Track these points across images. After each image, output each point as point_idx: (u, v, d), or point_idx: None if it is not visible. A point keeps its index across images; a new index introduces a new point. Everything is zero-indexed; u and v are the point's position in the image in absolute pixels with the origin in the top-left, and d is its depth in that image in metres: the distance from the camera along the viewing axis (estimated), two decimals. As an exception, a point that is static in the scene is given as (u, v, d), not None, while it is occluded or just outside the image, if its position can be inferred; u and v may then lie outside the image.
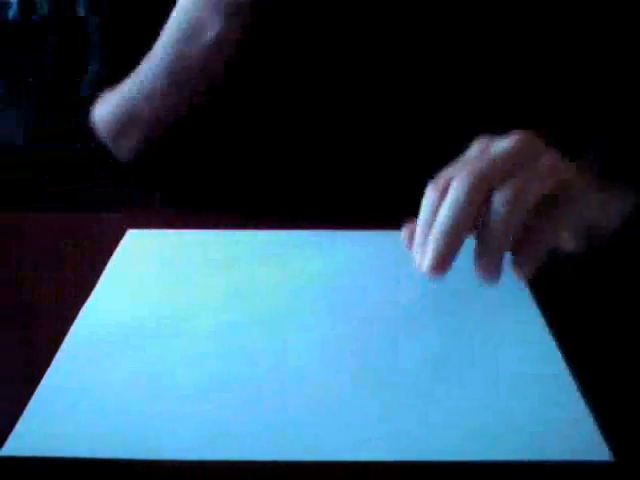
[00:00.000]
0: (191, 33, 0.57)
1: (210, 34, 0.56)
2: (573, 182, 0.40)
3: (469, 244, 0.39)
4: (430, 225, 0.38)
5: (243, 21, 0.56)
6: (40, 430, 0.35)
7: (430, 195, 0.39)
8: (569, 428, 0.35)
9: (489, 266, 0.38)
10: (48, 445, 0.34)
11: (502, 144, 0.39)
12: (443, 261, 0.37)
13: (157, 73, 0.60)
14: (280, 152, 0.65)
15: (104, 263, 0.52)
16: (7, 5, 1.74)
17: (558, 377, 0.39)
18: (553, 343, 0.42)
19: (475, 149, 0.41)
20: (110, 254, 0.53)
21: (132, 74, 0.62)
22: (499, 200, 0.37)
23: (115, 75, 0.71)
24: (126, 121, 0.63)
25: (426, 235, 0.38)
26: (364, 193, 0.63)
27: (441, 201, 0.38)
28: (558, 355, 0.41)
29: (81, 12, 1.66)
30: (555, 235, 0.40)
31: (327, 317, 0.45)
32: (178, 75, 0.59)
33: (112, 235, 0.57)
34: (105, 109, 0.65)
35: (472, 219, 0.37)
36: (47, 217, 0.65)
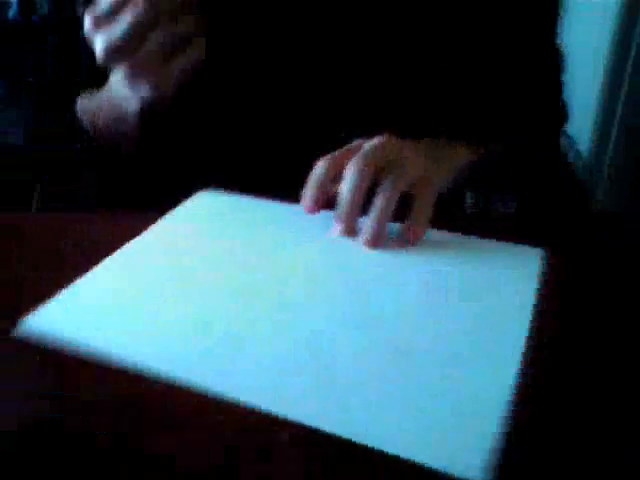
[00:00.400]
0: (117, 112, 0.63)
1: (131, 110, 0.62)
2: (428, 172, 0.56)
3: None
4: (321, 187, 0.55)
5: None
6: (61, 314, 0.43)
7: (322, 165, 0.55)
8: (460, 436, 0.35)
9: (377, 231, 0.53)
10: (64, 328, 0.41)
11: (376, 144, 0.54)
12: (351, 230, 0.54)
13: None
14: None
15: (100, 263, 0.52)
16: (7, 5, 1.74)
17: (496, 392, 0.39)
18: (517, 357, 0.42)
19: (353, 145, 0.56)
20: (110, 254, 0.53)
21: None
22: (386, 185, 0.53)
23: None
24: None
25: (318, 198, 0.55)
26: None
27: (332, 173, 0.54)
28: (511, 370, 0.40)
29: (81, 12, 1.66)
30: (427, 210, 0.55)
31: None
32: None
33: (112, 235, 0.57)
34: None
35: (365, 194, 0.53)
36: (47, 217, 0.65)
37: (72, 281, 0.49)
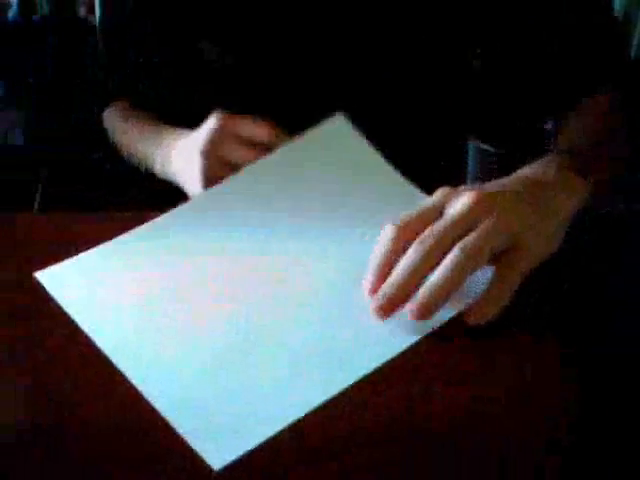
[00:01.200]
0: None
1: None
2: (522, 233, 0.44)
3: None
4: (385, 268, 0.44)
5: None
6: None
7: (388, 243, 0.44)
8: None
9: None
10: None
11: (459, 204, 0.44)
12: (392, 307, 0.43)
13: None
14: None
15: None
16: (7, 5, 1.74)
17: None
18: None
19: (436, 199, 0.46)
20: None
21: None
22: (450, 260, 0.42)
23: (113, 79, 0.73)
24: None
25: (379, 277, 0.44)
26: None
27: (396, 254, 0.44)
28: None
29: (81, 12, 1.66)
30: (511, 281, 0.44)
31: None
32: None
33: (112, 235, 0.57)
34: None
35: (421, 279, 0.43)
36: (47, 217, 0.65)
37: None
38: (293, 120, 0.59)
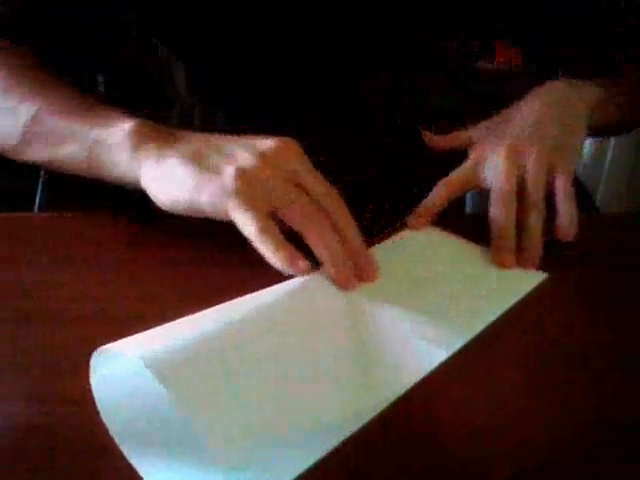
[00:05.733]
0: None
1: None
2: (558, 157, 0.55)
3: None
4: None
5: None
6: None
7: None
8: None
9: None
10: None
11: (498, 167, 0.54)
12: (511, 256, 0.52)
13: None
14: None
15: (104, 263, 0.52)
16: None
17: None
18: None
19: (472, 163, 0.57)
20: (110, 254, 0.53)
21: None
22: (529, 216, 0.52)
23: None
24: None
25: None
26: None
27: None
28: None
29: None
30: (570, 193, 0.54)
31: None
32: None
33: (113, 235, 0.57)
34: None
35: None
36: (47, 217, 0.65)
37: (72, 281, 0.49)
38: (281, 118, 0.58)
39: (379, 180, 0.63)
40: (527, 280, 0.51)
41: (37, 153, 0.55)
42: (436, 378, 0.40)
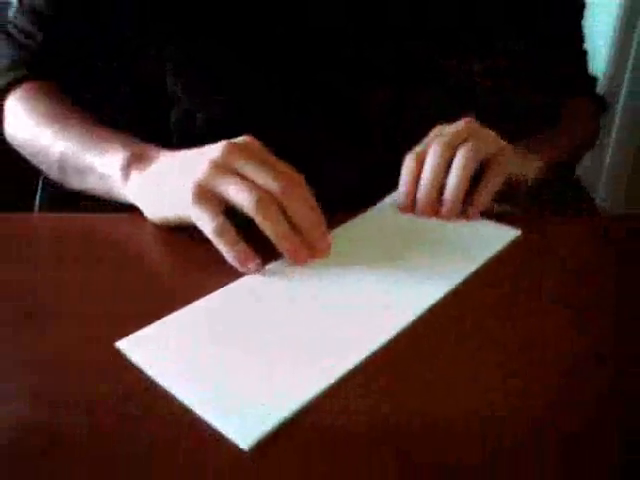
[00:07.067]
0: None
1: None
2: (505, 148, 0.60)
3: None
4: (414, 186, 0.59)
5: None
6: None
7: (410, 164, 0.60)
8: None
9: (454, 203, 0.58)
10: None
11: (455, 125, 0.60)
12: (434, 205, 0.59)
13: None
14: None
15: (104, 263, 0.52)
16: (7, 5, 1.74)
17: None
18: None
19: (434, 132, 0.61)
20: (110, 254, 0.53)
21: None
22: (461, 155, 0.57)
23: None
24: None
25: (412, 193, 0.59)
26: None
27: (419, 169, 0.59)
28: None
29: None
30: (496, 182, 0.60)
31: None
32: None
33: (113, 235, 0.57)
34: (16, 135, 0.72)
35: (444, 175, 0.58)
36: (48, 217, 0.65)
37: (72, 281, 0.50)
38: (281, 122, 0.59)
39: (378, 196, 0.63)
40: (500, 237, 0.57)
41: (74, 184, 0.65)
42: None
